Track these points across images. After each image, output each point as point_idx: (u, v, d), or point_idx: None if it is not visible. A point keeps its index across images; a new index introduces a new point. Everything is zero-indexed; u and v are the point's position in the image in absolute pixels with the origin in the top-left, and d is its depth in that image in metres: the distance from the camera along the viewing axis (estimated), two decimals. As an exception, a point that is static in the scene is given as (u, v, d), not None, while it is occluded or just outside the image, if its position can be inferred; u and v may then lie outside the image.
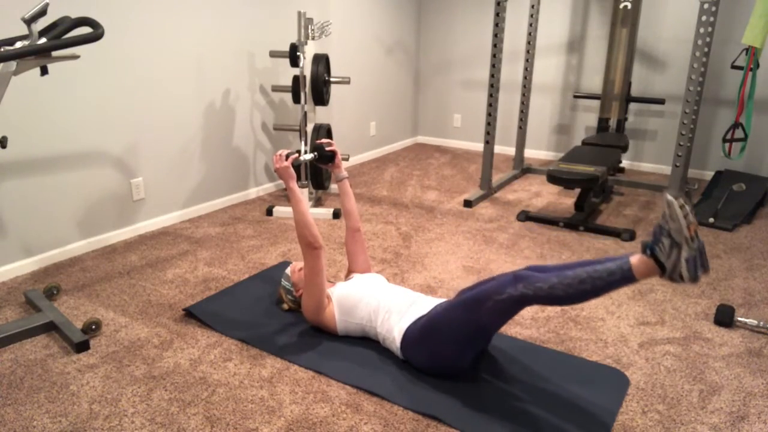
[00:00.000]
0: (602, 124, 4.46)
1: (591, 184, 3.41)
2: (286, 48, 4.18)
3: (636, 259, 1.69)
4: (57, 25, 2.16)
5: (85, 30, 2.59)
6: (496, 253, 3.20)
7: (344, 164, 5.01)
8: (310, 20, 3.46)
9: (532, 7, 4.54)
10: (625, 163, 5.03)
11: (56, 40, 2.07)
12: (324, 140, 2.47)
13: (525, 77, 4.71)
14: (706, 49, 3.46)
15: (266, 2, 3.96)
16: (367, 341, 2.25)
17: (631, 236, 3.41)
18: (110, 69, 3.07)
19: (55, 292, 2.60)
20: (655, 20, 4.63)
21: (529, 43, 4.61)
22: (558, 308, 2.59)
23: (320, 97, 3.64)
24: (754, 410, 1.93)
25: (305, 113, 3.60)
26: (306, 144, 3.64)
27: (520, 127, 4.83)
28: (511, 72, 5.40)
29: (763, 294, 2.76)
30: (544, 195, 4.33)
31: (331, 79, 3.75)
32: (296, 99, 3.67)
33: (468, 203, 4.00)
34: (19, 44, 2.05)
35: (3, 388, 1.99)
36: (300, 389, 2.00)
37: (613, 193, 4.35)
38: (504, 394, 1.96)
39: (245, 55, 3.89)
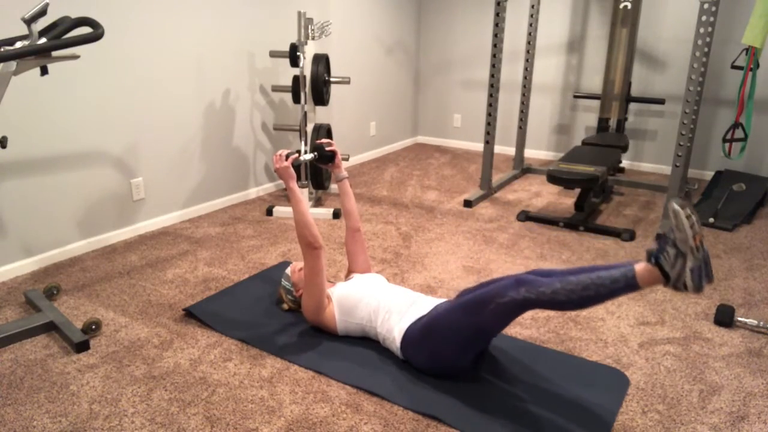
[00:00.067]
0: (602, 124, 4.45)
1: (591, 184, 3.41)
2: (286, 48, 4.18)
3: (640, 267, 1.69)
4: (57, 25, 2.16)
5: (85, 30, 2.58)
6: (496, 253, 3.20)
7: (344, 164, 5.01)
8: (310, 20, 3.46)
9: (532, 7, 4.53)
10: (625, 163, 5.03)
11: (56, 40, 2.07)
12: (324, 140, 2.47)
13: (525, 77, 4.71)
14: (706, 49, 3.45)
15: (266, 2, 3.96)
16: (367, 341, 2.25)
17: (631, 236, 3.41)
18: (110, 69, 3.07)
19: (55, 292, 2.60)
20: (655, 20, 4.63)
21: (529, 43, 4.61)
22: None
23: (320, 97, 3.64)
24: (754, 410, 1.93)
25: (305, 113, 3.60)
26: (306, 144, 3.64)
27: (520, 127, 4.83)
28: (511, 72, 5.40)
29: (763, 294, 2.76)
30: (544, 195, 4.33)
31: (331, 79, 3.75)
32: (296, 99, 3.67)
33: (468, 203, 4.00)
34: (19, 44, 2.05)
35: (3, 388, 1.99)
36: (300, 389, 2.00)
37: (613, 193, 4.35)
38: (504, 394, 1.97)
39: (245, 55, 3.89)
